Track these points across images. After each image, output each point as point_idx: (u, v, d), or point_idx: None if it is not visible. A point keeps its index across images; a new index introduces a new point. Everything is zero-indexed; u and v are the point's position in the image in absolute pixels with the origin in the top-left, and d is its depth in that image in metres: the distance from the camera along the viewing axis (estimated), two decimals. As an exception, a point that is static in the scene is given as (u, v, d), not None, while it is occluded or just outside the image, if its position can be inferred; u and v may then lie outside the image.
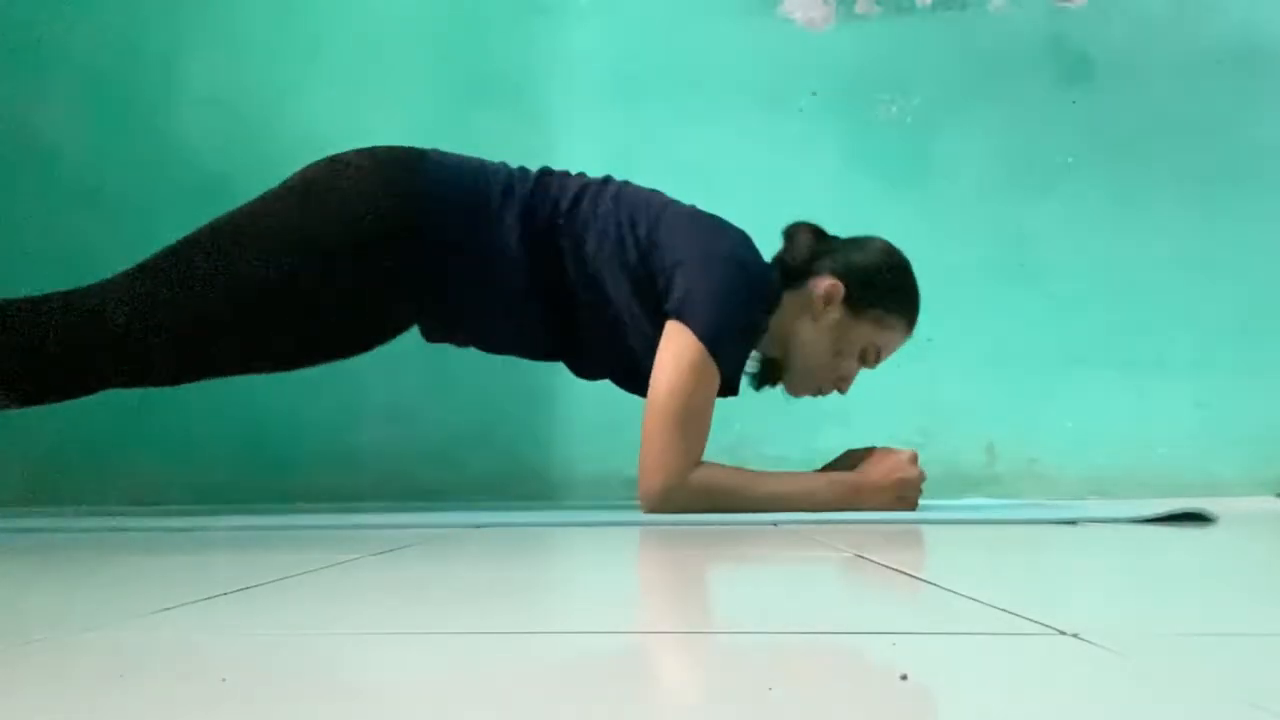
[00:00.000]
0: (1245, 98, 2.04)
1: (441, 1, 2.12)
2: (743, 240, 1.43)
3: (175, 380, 1.46)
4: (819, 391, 1.50)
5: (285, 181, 1.43)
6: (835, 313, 1.44)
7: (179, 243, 1.39)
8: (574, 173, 1.48)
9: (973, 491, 1.96)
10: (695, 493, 1.32)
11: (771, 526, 1.18)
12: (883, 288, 1.45)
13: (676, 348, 1.33)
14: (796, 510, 1.33)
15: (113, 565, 0.88)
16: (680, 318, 1.34)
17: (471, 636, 0.50)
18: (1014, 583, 0.71)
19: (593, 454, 1.99)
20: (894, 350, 1.50)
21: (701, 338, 1.32)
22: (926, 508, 1.44)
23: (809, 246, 1.48)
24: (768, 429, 1.97)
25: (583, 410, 2.00)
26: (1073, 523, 1.20)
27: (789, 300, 1.45)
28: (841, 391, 1.51)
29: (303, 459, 2.02)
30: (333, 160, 1.43)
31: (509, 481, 2.00)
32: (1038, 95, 2.05)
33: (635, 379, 1.45)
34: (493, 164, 1.46)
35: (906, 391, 2.00)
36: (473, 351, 2.13)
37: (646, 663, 0.45)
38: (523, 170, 1.46)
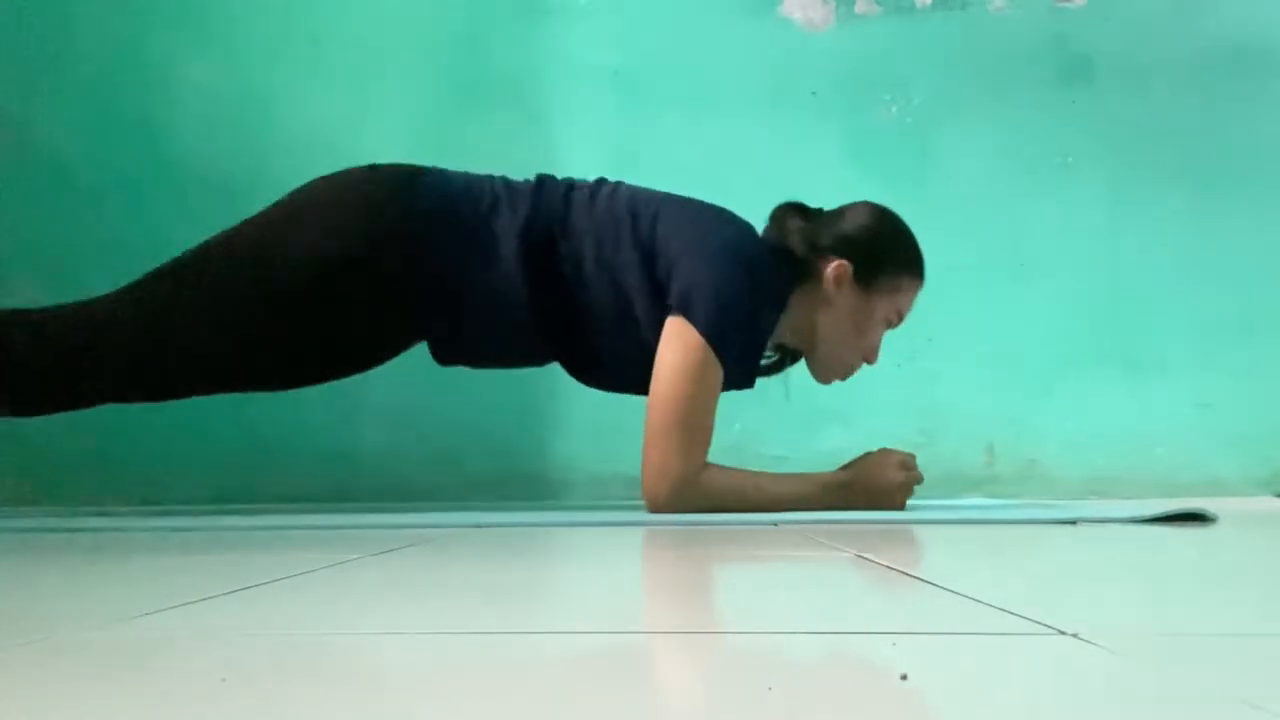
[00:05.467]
0: (1245, 98, 2.04)
1: (442, 2, 2.12)
2: (748, 232, 1.42)
3: (168, 395, 1.45)
4: (850, 372, 1.50)
5: (281, 200, 1.43)
6: (849, 292, 1.43)
7: (175, 261, 1.38)
8: (567, 178, 1.47)
9: (973, 491, 1.96)
10: (700, 496, 1.33)
11: (772, 526, 1.18)
12: (886, 253, 1.44)
13: (678, 346, 1.32)
14: (793, 511, 1.34)
15: (113, 565, 0.88)
16: (682, 312, 1.33)
17: (471, 636, 0.50)
18: (1014, 583, 0.71)
19: (593, 454, 1.99)
20: (912, 306, 1.50)
21: (704, 333, 1.31)
22: (927, 508, 1.44)
23: (800, 229, 1.45)
24: (768, 429, 1.96)
25: (583, 410, 2.00)
26: (1073, 523, 1.20)
27: (801, 294, 1.44)
28: (870, 362, 1.50)
29: (303, 459, 2.01)
30: (328, 179, 1.43)
31: (509, 481, 2.00)
32: (1038, 95, 2.05)
33: (639, 381, 1.43)
34: (489, 179, 1.44)
35: (906, 391, 2.00)
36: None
37: (647, 663, 0.45)
38: (521, 182, 1.45)
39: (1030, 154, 2.05)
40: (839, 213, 1.48)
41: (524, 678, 0.41)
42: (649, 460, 1.32)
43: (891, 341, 2.02)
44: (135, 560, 0.91)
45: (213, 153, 2.07)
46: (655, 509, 1.33)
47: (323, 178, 1.44)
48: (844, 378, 1.51)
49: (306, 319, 1.38)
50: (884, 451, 1.42)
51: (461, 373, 2.03)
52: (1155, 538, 1.04)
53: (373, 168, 1.44)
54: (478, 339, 1.45)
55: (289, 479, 2.00)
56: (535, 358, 1.49)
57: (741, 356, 1.38)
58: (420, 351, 2.12)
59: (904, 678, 0.38)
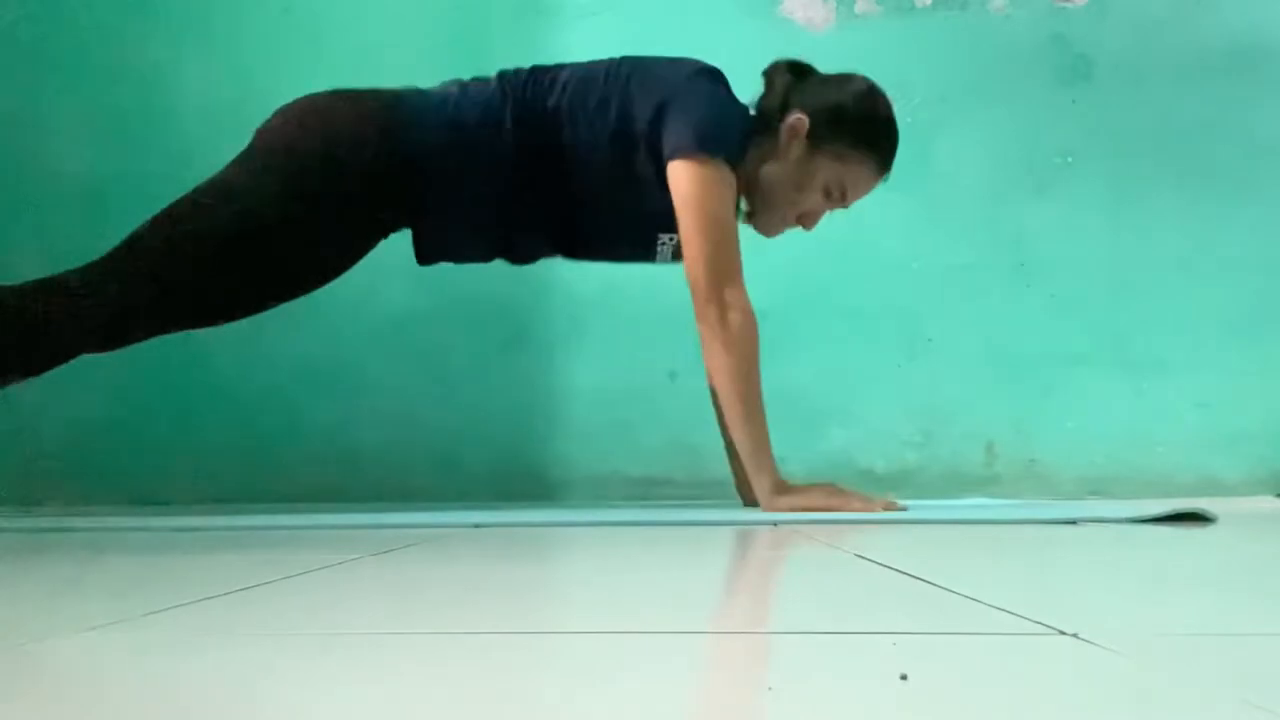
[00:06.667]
0: (1245, 98, 2.04)
1: (442, 2, 2.12)
2: (718, 78, 1.46)
3: (156, 328, 1.45)
4: (785, 225, 1.52)
5: (268, 135, 1.54)
6: (798, 147, 1.45)
7: (167, 208, 1.49)
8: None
9: (973, 491, 1.96)
10: (743, 313, 1.38)
11: (772, 527, 1.18)
12: (847, 124, 1.45)
13: (683, 176, 1.38)
14: (751, 452, 1.42)
15: (113, 565, 0.88)
16: (675, 156, 1.38)
17: (471, 636, 0.50)
18: (1014, 583, 0.71)
19: (593, 454, 1.99)
20: (864, 191, 1.50)
21: (697, 152, 1.37)
22: (927, 508, 1.44)
23: (784, 87, 1.49)
24: (769, 429, 1.96)
25: (583, 410, 2.00)
26: (1073, 523, 1.20)
27: (760, 142, 1.47)
28: (806, 228, 1.52)
29: (303, 459, 2.01)
30: (314, 108, 1.54)
31: (509, 481, 2.00)
32: (1038, 95, 2.05)
33: (638, 242, 1.49)
34: (472, 85, 1.48)
35: (906, 391, 2.00)
36: (473, 352, 2.11)
37: (646, 662, 0.45)
38: (500, 80, 1.48)
39: (1030, 154, 2.04)
40: (833, 77, 1.50)
41: (524, 677, 0.41)
42: (691, 270, 1.38)
43: (891, 341, 2.04)
44: (134, 560, 0.91)
45: (213, 152, 2.07)
46: (706, 313, 1.37)
47: (309, 107, 1.56)
48: (772, 234, 1.53)
49: (306, 241, 1.44)
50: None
51: (462, 373, 2.05)
52: (1155, 538, 1.04)
53: (352, 96, 1.54)
54: (471, 216, 1.47)
55: (289, 479, 2.00)
56: (525, 240, 1.51)
57: (736, 144, 1.43)
58: (419, 353, 2.12)
59: (904, 678, 0.38)
